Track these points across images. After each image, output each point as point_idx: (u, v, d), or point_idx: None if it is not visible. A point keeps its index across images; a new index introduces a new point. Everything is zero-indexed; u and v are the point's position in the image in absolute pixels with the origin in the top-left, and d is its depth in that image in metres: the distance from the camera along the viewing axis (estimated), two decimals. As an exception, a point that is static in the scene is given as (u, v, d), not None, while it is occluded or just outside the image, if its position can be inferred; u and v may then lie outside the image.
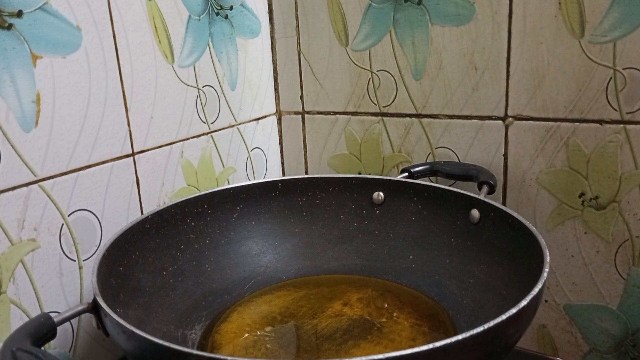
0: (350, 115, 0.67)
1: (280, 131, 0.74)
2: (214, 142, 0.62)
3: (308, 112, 0.70)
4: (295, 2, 0.67)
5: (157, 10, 0.54)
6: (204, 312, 0.51)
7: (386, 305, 0.52)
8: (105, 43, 0.49)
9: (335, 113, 0.68)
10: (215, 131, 0.62)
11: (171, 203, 0.53)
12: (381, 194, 0.59)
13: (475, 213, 0.52)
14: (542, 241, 0.41)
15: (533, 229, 0.43)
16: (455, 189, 0.54)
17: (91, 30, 0.47)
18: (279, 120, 0.73)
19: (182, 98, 0.58)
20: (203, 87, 0.60)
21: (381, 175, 0.67)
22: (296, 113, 0.72)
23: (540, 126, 0.55)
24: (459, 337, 0.30)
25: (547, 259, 0.39)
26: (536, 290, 0.35)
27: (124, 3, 0.50)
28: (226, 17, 0.62)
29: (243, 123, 0.67)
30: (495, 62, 0.56)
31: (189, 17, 0.57)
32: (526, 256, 0.43)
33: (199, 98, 0.60)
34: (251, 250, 0.58)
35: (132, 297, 0.45)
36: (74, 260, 0.48)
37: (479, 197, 0.52)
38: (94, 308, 0.39)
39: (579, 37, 0.51)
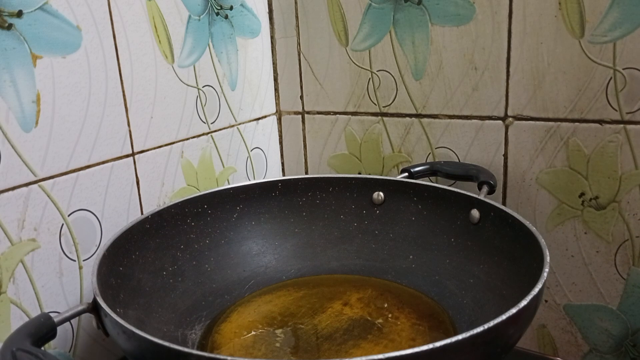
0: (350, 115, 0.67)
1: (280, 131, 0.74)
2: (214, 142, 0.62)
3: (308, 112, 0.70)
4: (295, 2, 0.67)
5: (157, 10, 0.54)
6: (204, 312, 0.51)
7: (386, 305, 0.51)
8: (105, 43, 0.49)
9: (335, 113, 0.68)
10: (215, 131, 0.62)
11: (171, 203, 0.53)
12: (381, 194, 0.59)
13: (475, 213, 0.52)
14: (542, 241, 0.41)
15: (533, 229, 0.43)
16: (455, 189, 0.54)
17: (91, 30, 0.47)
18: (279, 120, 0.73)
19: (182, 98, 0.58)
20: (203, 87, 0.60)
21: (381, 175, 0.67)
22: (296, 113, 0.72)
23: (540, 126, 0.55)
24: (459, 337, 0.30)
25: (547, 259, 0.39)
26: (536, 290, 0.35)
27: (124, 3, 0.50)
28: (226, 17, 0.62)
29: (243, 123, 0.67)
30: (495, 62, 0.56)
31: (189, 17, 0.57)
32: (526, 256, 0.43)
33: (199, 98, 0.60)
34: (251, 250, 0.58)
35: (132, 297, 0.45)
36: (74, 260, 0.48)
37: (479, 197, 0.52)
38: (94, 308, 0.39)
39: (579, 37, 0.51)
